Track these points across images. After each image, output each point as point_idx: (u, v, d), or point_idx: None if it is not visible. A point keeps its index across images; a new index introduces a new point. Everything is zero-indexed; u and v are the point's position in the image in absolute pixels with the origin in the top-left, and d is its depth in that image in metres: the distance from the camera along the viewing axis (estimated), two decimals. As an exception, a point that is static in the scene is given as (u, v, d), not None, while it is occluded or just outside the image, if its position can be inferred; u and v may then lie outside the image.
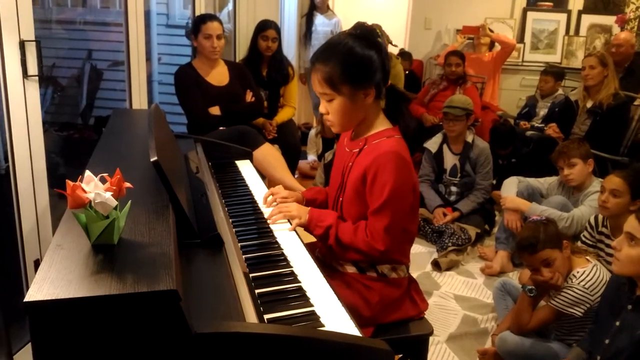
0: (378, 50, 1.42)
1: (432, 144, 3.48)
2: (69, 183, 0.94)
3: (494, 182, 3.55)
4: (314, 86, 1.47)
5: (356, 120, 1.49)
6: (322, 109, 1.48)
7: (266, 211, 1.63)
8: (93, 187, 0.95)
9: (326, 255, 1.59)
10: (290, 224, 1.56)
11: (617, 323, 1.62)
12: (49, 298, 0.81)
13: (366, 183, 1.44)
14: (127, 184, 1.02)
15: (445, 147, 3.44)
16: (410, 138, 1.52)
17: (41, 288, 0.83)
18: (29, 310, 0.80)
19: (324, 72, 1.41)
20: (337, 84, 1.40)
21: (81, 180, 0.97)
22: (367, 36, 1.42)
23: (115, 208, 0.97)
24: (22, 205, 1.83)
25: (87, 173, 0.98)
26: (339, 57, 1.39)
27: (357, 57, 1.39)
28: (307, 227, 1.53)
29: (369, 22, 1.51)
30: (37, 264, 1.87)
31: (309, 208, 1.56)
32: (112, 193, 0.96)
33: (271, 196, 1.69)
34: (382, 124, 1.50)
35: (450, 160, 3.43)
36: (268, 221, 1.56)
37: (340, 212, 1.55)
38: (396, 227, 1.43)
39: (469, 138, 3.37)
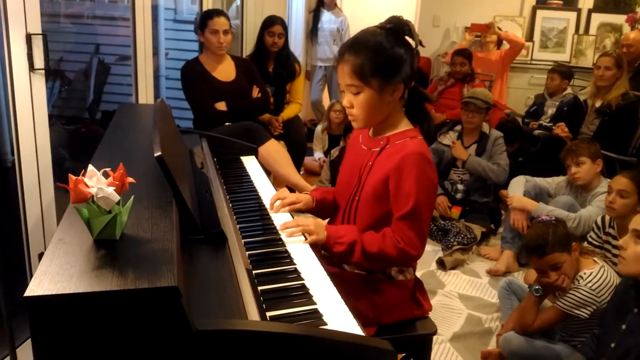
0: (409, 46, 1.39)
1: (446, 139, 3.48)
2: (72, 177, 0.94)
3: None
4: (340, 78, 1.42)
5: (381, 116, 1.45)
6: (346, 102, 1.43)
7: (275, 216, 1.57)
8: (95, 182, 0.95)
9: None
10: (305, 237, 1.45)
11: (624, 326, 1.60)
12: (49, 293, 0.81)
13: (389, 184, 1.40)
14: (130, 179, 1.02)
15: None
16: (430, 139, 1.50)
17: (42, 282, 0.83)
18: (29, 304, 0.80)
19: (354, 64, 1.37)
20: (368, 76, 1.36)
21: (84, 175, 0.96)
22: (399, 31, 1.39)
23: (118, 203, 0.96)
24: (27, 198, 1.83)
25: (90, 167, 0.97)
26: (371, 48, 1.36)
27: (389, 51, 1.36)
28: (325, 244, 1.42)
29: (379, 20, 1.49)
30: (41, 257, 1.87)
31: (325, 224, 1.47)
32: (114, 188, 0.95)
33: (278, 201, 1.60)
34: (404, 124, 1.47)
35: None
36: (282, 234, 1.45)
37: (354, 211, 1.50)
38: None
39: (485, 129, 3.41)
